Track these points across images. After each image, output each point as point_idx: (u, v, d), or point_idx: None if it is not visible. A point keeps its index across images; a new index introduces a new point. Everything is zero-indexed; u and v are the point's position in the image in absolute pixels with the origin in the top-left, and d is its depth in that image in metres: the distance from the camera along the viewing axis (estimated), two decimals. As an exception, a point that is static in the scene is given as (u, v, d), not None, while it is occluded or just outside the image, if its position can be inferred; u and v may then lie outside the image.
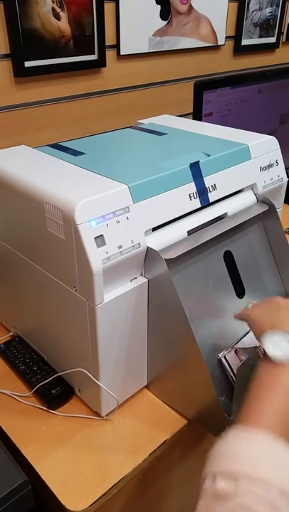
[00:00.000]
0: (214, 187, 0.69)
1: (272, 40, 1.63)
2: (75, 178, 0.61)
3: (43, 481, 0.60)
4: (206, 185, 0.68)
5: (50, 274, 0.63)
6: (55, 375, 0.72)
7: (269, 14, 1.57)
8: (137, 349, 0.67)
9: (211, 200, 0.68)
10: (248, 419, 0.48)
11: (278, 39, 1.64)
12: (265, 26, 1.57)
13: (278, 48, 1.67)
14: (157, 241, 0.62)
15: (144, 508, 0.75)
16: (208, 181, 0.68)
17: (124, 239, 0.58)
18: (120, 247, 0.57)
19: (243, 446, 0.45)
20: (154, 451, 0.64)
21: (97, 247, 0.55)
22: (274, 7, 1.57)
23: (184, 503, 0.86)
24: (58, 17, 1.01)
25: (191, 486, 0.85)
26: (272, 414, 0.47)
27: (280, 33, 1.64)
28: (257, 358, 0.54)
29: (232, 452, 0.45)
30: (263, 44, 1.60)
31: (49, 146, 0.75)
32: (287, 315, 0.58)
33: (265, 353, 0.52)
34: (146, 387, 0.74)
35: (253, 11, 1.50)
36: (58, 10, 1.00)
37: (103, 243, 0.55)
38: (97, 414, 0.69)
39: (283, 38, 1.68)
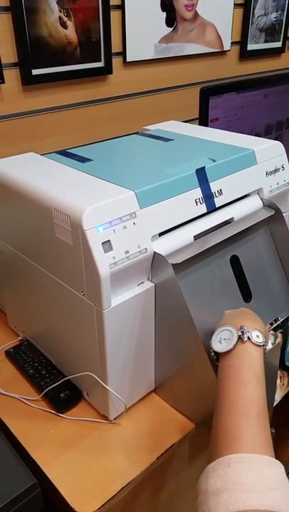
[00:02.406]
0: (220, 192, 0.69)
1: (278, 44, 1.63)
2: (83, 185, 0.62)
3: (52, 483, 0.61)
4: (212, 191, 0.68)
5: (58, 279, 0.64)
6: (64, 379, 0.73)
7: (274, 19, 1.57)
8: (144, 353, 0.68)
9: (217, 205, 0.69)
10: (233, 440, 0.48)
11: (284, 44, 1.65)
12: (271, 31, 1.58)
13: (284, 52, 1.68)
14: (164, 246, 0.63)
15: (153, 510, 0.75)
16: (214, 186, 0.69)
17: (131, 244, 0.58)
18: (127, 252, 0.58)
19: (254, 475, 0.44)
20: (162, 454, 0.65)
21: (105, 252, 0.55)
22: (279, 12, 1.58)
23: (193, 507, 0.86)
24: (64, 25, 1.03)
25: (199, 490, 0.85)
26: (251, 425, 0.48)
27: (285, 38, 1.64)
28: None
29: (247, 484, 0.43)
30: (268, 49, 1.61)
31: (57, 153, 0.76)
32: (241, 315, 0.61)
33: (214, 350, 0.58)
34: (154, 391, 0.74)
35: (258, 16, 1.51)
36: (65, 18, 1.02)
37: (110, 248, 0.56)
38: (106, 418, 0.69)
39: (289, 43, 1.69)
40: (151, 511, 0.75)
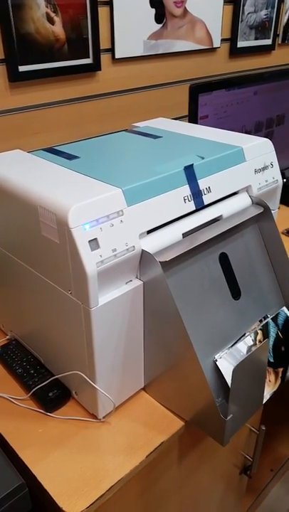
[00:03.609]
0: (209, 189, 0.69)
1: (268, 42, 1.63)
2: (69, 182, 0.61)
3: (40, 483, 0.60)
4: (201, 188, 0.68)
5: (46, 277, 0.64)
6: (52, 378, 0.72)
7: (264, 16, 1.57)
8: (133, 351, 0.68)
9: (205, 203, 0.69)
10: None
11: (274, 41, 1.65)
12: (261, 28, 1.58)
13: (274, 49, 1.68)
14: (152, 244, 0.63)
15: (142, 509, 0.75)
16: (202, 184, 0.68)
17: (119, 242, 0.58)
18: (114, 250, 0.57)
19: None
20: (151, 452, 0.65)
21: (91, 251, 0.55)
22: (269, 9, 1.57)
23: (183, 504, 0.86)
24: (52, 21, 1.02)
25: (190, 487, 0.85)
26: None
27: (275, 35, 1.64)
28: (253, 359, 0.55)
29: None
30: (258, 46, 1.60)
31: (44, 150, 0.76)
32: None
33: None
34: (144, 389, 0.74)
35: (248, 14, 1.51)
36: (52, 14, 1.01)
37: (97, 246, 0.56)
38: (94, 417, 0.69)
39: (279, 40, 1.68)
40: (140, 510, 0.74)
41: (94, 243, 0.55)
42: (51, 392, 0.71)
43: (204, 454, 0.83)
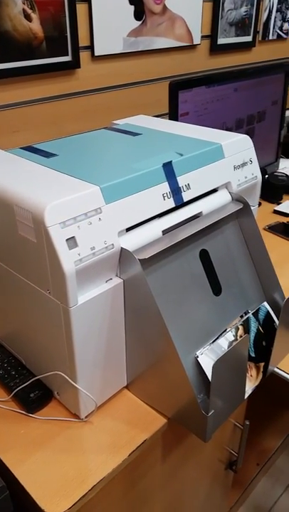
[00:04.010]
0: (188, 186, 0.69)
1: (249, 39, 1.64)
2: (46, 180, 0.61)
3: (22, 485, 0.60)
4: (180, 185, 0.68)
5: (24, 277, 0.63)
6: (33, 379, 0.72)
7: (244, 13, 1.58)
8: (115, 350, 0.67)
9: (185, 200, 0.69)
10: None
11: (254, 38, 1.66)
12: (241, 25, 1.59)
13: (254, 46, 1.68)
14: (131, 241, 0.62)
15: (126, 508, 0.75)
16: (181, 181, 0.68)
17: (97, 240, 0.57)
18: (93, 248, 0.57)
19: None
20: (134, 451, 0.64)
21: (69, 249, 0.54)
22: (249, 6, 1.58)
23: (167, 501, 0.86)
24: (29, 18, 1.00)
25: (175, 484, 0.85)
26: None
27: (255, 32, 1.65)
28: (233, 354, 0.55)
29: None
30: (239, 43, 1.61)
31: (21, 148, 0.75)
32: None
33: None
34: (127, 387, 0.74)
35: (228, 10, 1.51)
36: (29, 11, 1.00)
37: (75, 245, 0.55)
38: (77, 417, 0.69)
39: (259, 37, 1.69)
40: (125, 508, 0.74)
41: (71, 241, 0.55)
42: (33, 393, 0.71)
43: (189, 451, 0.84)
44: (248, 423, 0.89)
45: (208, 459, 0.93)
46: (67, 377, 0.64)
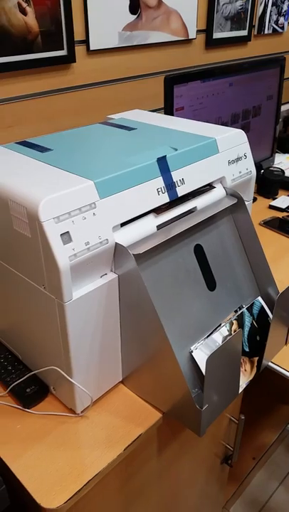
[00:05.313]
0: (182, 181, 0.69)
1: (244, 33, 1.64)
2: (40, 175, 0.60)
3: (18, 480, 0.60)
4: (174, 180, 0.68)
5: (19, 272, 0.63)
6: (29, 374, 0.72)
7: (240, 7, 1.57)
8: (110, 345, 0.68)
9: (179, 195, 0.69)
10: None
11: (250, 32, 1.65)
12: (236, 19, 1.58)
13: (250, 40, 1.68)
14: (126, 236, 0.62)
15: (122, 502, 0.75)
16: (176, 176, 0.68)
17: (92, 235, 0.57)
18: (87, 243, 0.57)
19: None
20: (130, 445, 0.65)
21: (64, 244, 0.54)
22: (244, 0, 1.57)
23: (164, 495, 0.87)
24: (24, 12, 1.00)
25: (171, 478, 0.86)
26: None
27: (251, 26, 1.65)
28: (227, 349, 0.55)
29: None
30: (234, 37, 1.60)
31: (16, 143, 0.75)
32: None
33: None
34: (122, 382, 0.74)
35: (223, 4, 1.50)
36: (24, 5, 0.99)
37: (69, 240, 0.55)
38: (73, 412, 0.69)
39: (255, 31, 1.69)
40: (121, 502, 0.75)
41: (66, 236, 0.55)
42: (29, 388, 0.71)
43: (184, 445, 0.84)
44: (243, 417, 0.90)
45: (203, 453, 0.93)
46: (62, 373, 0.64)
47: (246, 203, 0.76)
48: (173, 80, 1.06)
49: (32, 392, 0.71)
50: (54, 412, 0.69)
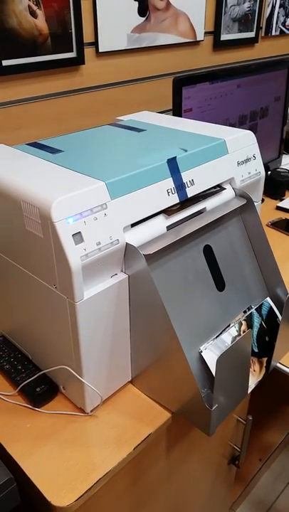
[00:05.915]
0: (192, 182, 0.70)
1: (252, 34, 1.64)
2: (52, 176, 0.61)
3: (29, 478, 0.61)
4: (184, 181, 0.68)
5: (31, 272, 0.63)
6: (39, 373, 0.72)
7: (247, 9, 1.58)
8: (119, 345, 0.68)
9: (189, 196, 0.69)
10: None
11: (257, 34, 1.65)
12: (244, 21, 1.58)
13: (257, 42, 1.68)
14: (136, 237, 0.63)
15: (132, 501, 0.75)
16: (185, 177, 0.69)
17: (103, 235, 0.58)
18: (99, 243, 0.58)
19: None
20: (139, 444, 0.65)
21: (75, 244, 0.55)
22: (252, 2, 1.58)
23: (172, 495, 0.87)
24: (34, 15, 1.01)
25: (179, 478, 0.86)
26: None
27: (258, 28, 1.65)
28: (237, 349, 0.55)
29: None
30: (242, 39, 1.61)
31: (27, 144, 0.75)
32: None
33: None
34: (131, 382, 0.74)
35: (231, 6, 1.51)
36: (35, 7, 1.00)
37: (81, 240, 0.56)
38: (82, 411, 0.69)
39: (262, 33, 1.69)
40: (129, 502, 0.75)
41: (78, 237, 0.55)
42: (39, 387, 0.72)
43: (192, 445, 0.84)
44: (250, 418, 0.90)
45: (211, 453, 0.93)
46: (73, 372, 0.65)
47: (255, 203, 0.77)
48: (181, 82, 1.06)
49: (42, 391, 0.71)
50: (64, 411, 0.70)
